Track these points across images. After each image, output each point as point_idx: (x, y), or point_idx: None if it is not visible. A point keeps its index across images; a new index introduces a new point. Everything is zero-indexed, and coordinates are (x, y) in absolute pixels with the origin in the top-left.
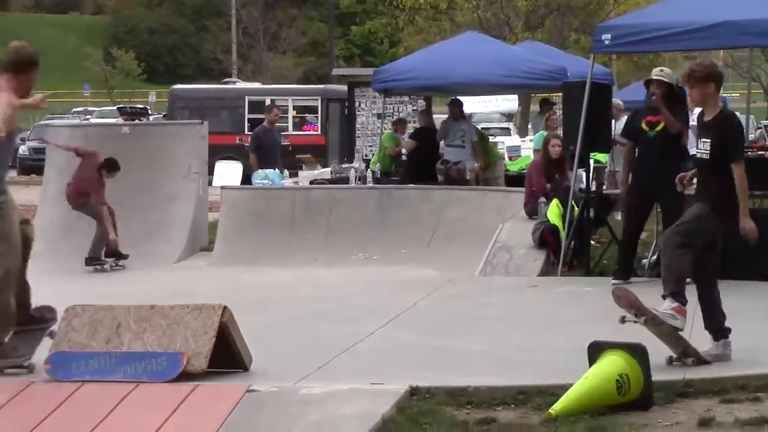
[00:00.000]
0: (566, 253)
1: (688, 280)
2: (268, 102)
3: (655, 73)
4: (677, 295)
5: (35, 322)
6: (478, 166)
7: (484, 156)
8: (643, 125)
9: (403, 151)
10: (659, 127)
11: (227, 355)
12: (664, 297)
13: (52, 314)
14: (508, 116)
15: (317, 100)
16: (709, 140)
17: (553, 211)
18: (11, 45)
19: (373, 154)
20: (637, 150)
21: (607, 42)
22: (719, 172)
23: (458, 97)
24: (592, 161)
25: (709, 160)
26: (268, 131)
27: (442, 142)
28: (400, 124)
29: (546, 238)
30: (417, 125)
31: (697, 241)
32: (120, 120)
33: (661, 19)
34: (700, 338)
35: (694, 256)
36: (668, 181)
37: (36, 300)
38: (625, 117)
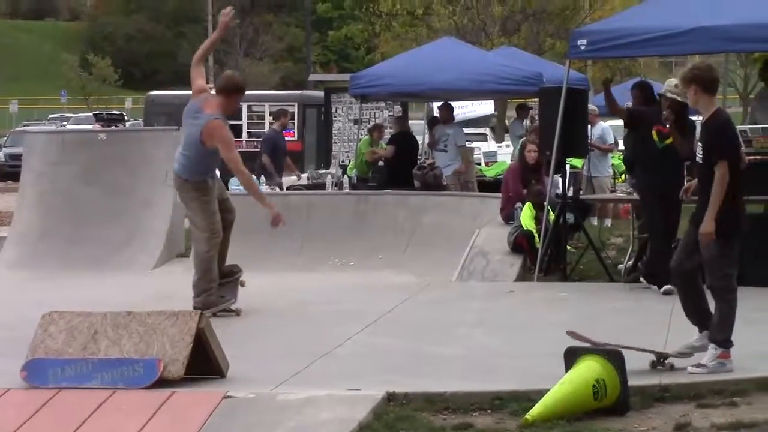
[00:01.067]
0: (543, 259)
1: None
2: (244, 108)
3: (670, 90)
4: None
5: (229, 275)
6: (457, 168)
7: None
8: (654, 132)
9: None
10: (668, 141)
11: (204, 362)
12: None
13: (238, 268)
14: (485, 120)
15: (294, 105)
16: (701, 144)
17: (526, 214)
18: (225, 73)
19: (350, 160)
20: (641, 150)
21: (582, 47)
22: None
23: (449, 102)
24: (568, 167)
25: (702, 164)
26: (279, 135)
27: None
28: (377, 130)
29: (520, 244)
30: (392, 131)
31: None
32: (96, 126)
33: (637, 24)
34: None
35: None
36: (672, 190)
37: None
38: (601, 122)
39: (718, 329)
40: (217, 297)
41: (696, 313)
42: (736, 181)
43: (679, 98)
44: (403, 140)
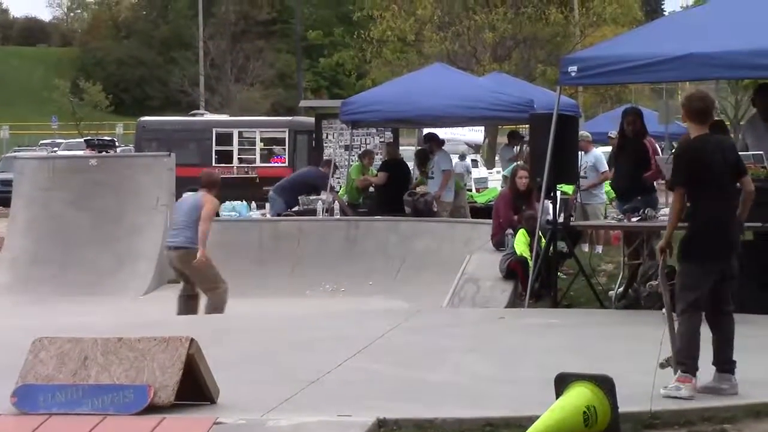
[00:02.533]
0: (533, 285)
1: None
2: (235, 134)
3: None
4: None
5: None
6: (435, 193)
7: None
8: None
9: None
10: None
11: (194, 388)
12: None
13: None
14: (475, 147)
15: (285, 132)
16: None
17: (520, 241)
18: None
19: (340, 186)
20: None
21: (573, 74)
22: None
23: (431, 131)
24: (558, 193)
25: None
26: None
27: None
28: (367, 156)
29: (514, 270)
30: (383, 157)
31: (691, 297)
32: (87, 152)
33: (627, 51)
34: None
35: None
36: None
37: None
38: (594, 150)
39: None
40: None
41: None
42: (704, 206)
43: None
44: (394, 167)
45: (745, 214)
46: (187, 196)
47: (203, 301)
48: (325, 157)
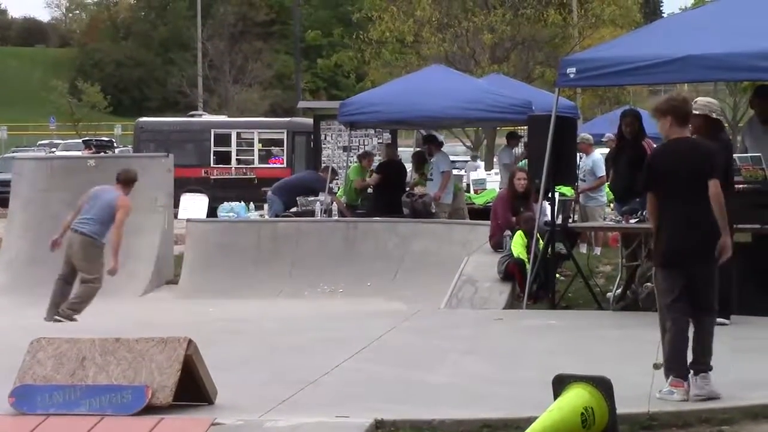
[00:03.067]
0: (531, 286)
1: None
2: (233, 135)
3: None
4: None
5: None
6: (434, 195)
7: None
8: None
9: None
10: None
11: (192, 388)
12: None
13: None
14: (474, 148)
15: (283, 133)
16: None
17: (517, 242)
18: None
19: (339, 187)
20: None
21: (572, 75)
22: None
23: (432, 133)
24: (557, 194)
25: None
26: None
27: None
28: (366, 158)
29: (512, 272)
30: (381, 159)
31: (667, 301)
32: (86, 153)
33: (626, 53)
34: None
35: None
36: None
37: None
38: (594, 153)
39: (666, 360)
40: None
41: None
42: (664, 212)
43: (698, 112)
44: (391, 168)
45: (720, 219)
46: (104, 190)
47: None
48: (323, 163)
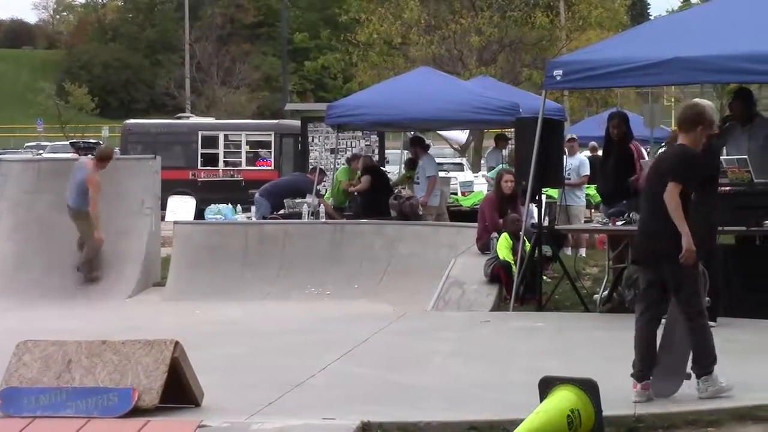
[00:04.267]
0: (518, 289)
1: None
2: (221, 137)
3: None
4: None
5: None
6: (420, 200)
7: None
8: None
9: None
10: None
11: (179, 391)
12: None
13: None
14: (461, 148)
15: (270, 135)
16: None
17: (502, 245)
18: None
19: (326, 189)
20: None
21: (558, 78)
22: None
23: (418, 135)
24: (544, 197)
25: None
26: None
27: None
28: (356, 160)
29: (498, 274)
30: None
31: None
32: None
33: (612, 55)
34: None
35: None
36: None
37: None
38: (579, 154)
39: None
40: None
41: None
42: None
43: None
44: (375, 172)
45: (675, 222)
46: (79, 166)
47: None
48: (311, 164)
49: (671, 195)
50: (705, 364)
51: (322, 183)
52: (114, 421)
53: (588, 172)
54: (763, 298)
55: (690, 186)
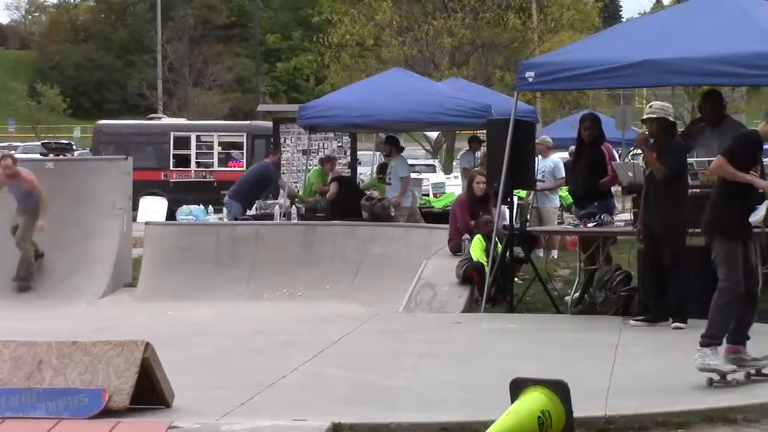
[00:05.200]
0: (490, 290)
1: None
2: (193, 138)
3: (646, 112)
4: None
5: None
6: (393, 200)
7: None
8: (643, 162)
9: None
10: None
11: (150, 392)
12: None
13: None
14: (433, 148)
15: (242, 136)
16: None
17: (476, 246)
18: None
19: (298, 191)
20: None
21: (530, 79)
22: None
23: (392, 135)
24: (515, 198)
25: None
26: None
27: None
28: (329, 162)
29: (470, 276)
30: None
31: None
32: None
33: (584, 57)
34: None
35: None
36: (662, 218)
37: None
38: (552, 156)
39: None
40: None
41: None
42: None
43: (654, 116)
44: (343, 179)
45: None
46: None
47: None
48: (282, 166)
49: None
50: (709, 334)
51: (292, 181)
52: (84, 422)
53: (563, 175)
54: None
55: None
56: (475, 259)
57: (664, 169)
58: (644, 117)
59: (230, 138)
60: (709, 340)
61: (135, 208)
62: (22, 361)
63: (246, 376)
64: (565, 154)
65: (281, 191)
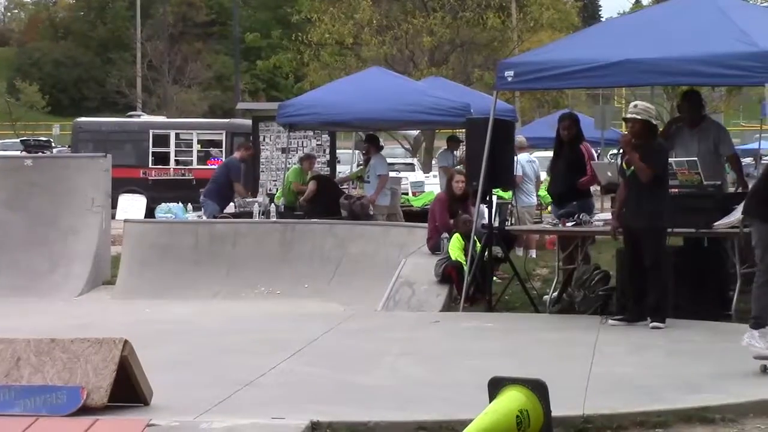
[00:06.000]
0: (468, 289)
1: None
2: (172, 136)
3: (629, 111)
4: None
5: None
6: (369, 197)
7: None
8: (623, 163)
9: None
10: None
11: (128, 389)
12: None
13: None
14: (412, 146)
15: (222, 134)
16: None
17: (454, 245)
18: None
19: (277, 189)
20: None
21: (509, 79)
22: None
23: (373, 133)
24: (494, 197)
25: None
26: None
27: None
28: (308, 160)
29: (449, 274)
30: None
31: None
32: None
33: (563, 56)
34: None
35: None
36: (643, 219)
37: None
38: (526, 154)
39: None
40: None
41: None
42: None
43: (639, 117)
44: (322, 178)
45: None
46: None
47: None
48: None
49: None
50: (753, 316)
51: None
52: (62, 420)
53: (539, 172)
54: (710, 300)
55: None
56: (453, 257)
57: (649, 170)
58: (628, 116)
59: (209, 136)
60: (754, 321)
61: (114, 205)
62: (0, 358)
63: (224, 374)
64: (545, 153)
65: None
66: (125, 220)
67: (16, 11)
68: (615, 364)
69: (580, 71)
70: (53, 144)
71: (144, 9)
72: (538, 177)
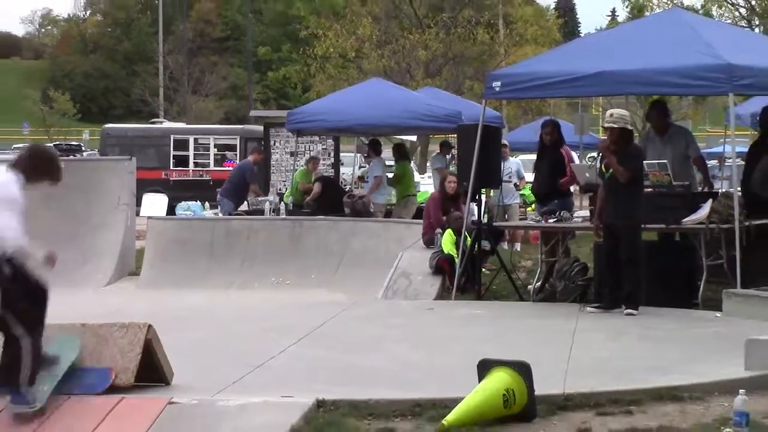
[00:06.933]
0: (460, 279)
1: None
2: (191, 140)
3: (606, 120)
4: None
5: None
6: (365, 197)
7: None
8: (602, 167)
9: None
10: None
11: (151, 370)
12: None
13: None
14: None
15: (236, 138)
16: None
17: (447, 240)
18: None
19: (286, 188)
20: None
21: (497, 89)
22: None
23: (375, 138)
24: (483, 196)
25: None
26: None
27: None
28: (312, 162)
29: (442, 266)
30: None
31: None
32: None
33: (547, 68)
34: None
35: None
36: (621, 216)
37: None
38: (511, 158)
39: None
40: None
41: None
42: None
43: (615, 125)
44: (327, 180)
45: None
46: None
47: None
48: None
49: None
50: None
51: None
52: (92, 398)
53: (524, 175)
54: (679, 289)
55: None
56: (446, 251)
57: (626, 173)
58: (606, 125)
59: (225, 141)
60: None
61: (138, 204)
62: None
63: (238, 357)
64: (529, 156)
65: (250, 192)
66: (148, 217)
67: (50, 27)
68: (593, 348)
69: (561, 82)
70: (83, 148)
71: (166, 26)
72: (522, 177)
